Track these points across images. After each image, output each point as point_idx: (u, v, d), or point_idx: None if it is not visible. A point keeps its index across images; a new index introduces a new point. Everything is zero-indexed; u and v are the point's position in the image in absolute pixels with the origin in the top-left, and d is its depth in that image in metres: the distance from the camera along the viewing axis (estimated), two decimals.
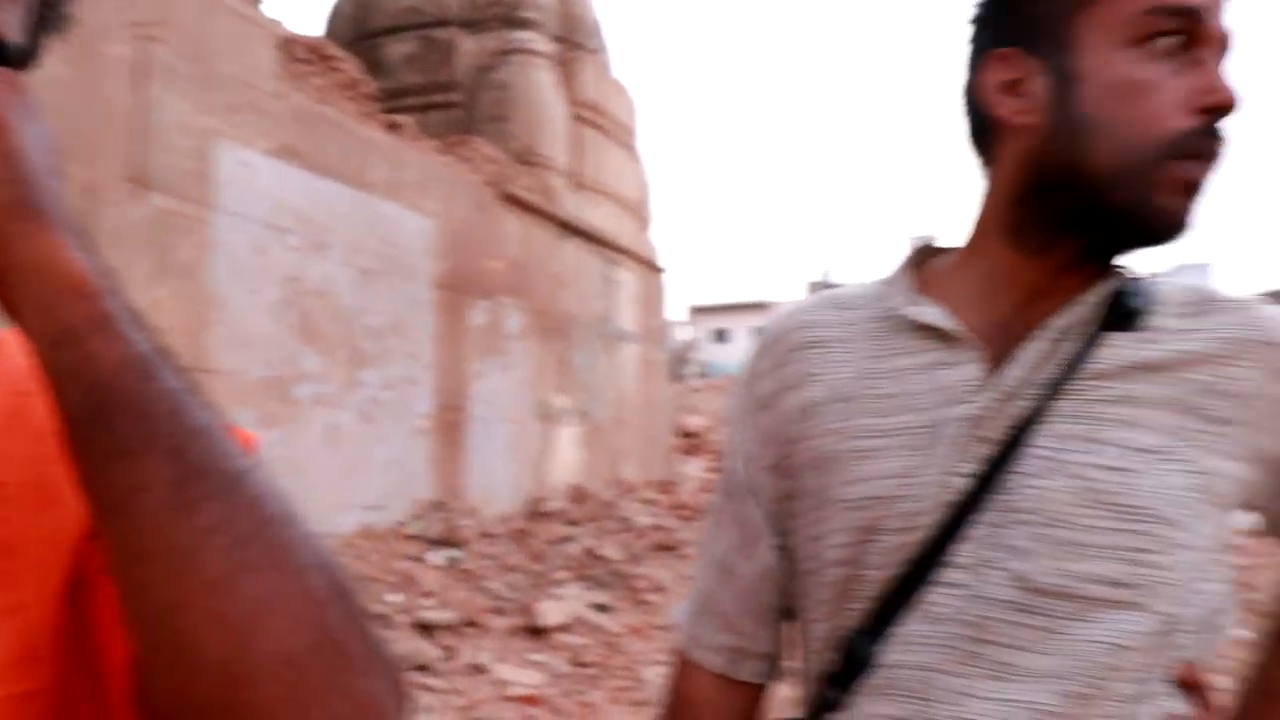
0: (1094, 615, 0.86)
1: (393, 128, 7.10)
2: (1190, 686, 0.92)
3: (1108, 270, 0.95)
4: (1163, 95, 0.86)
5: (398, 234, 6.68)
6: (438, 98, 8.86)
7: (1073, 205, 0.91)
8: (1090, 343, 0.91)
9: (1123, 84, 0.88)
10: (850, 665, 0.93)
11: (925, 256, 1.05)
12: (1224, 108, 0.86)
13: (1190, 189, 0.87)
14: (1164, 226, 0.89)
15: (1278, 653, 1.07)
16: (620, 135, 10.43)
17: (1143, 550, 0.86)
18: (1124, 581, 0.86)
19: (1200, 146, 0.86)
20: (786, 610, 1.06)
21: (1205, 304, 0.95)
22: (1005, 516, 0.88)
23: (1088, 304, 0.93)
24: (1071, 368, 0.90)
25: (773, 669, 1.08)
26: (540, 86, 9.01)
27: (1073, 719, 0.86)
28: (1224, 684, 1.12)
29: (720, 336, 52.98)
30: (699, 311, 55.88)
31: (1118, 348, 0.91)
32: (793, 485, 1.01)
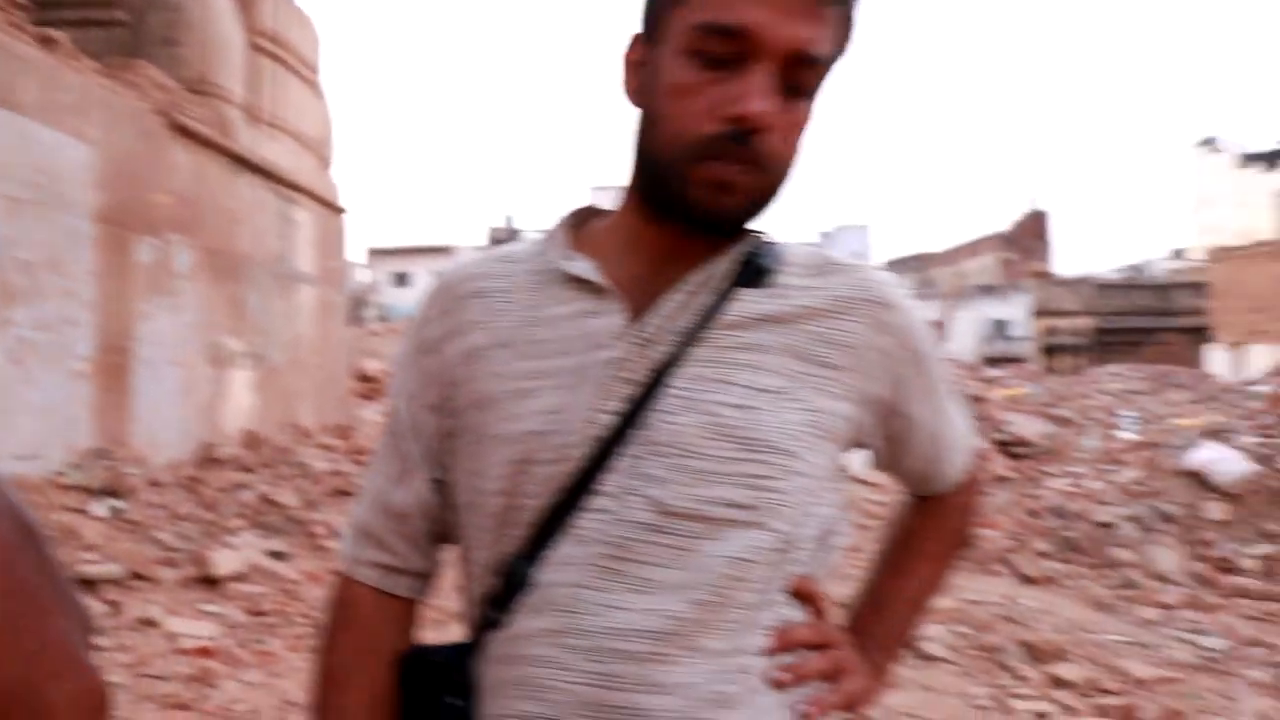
0: (720, 534, 0.99)
1: (46, 43, 6.50)
2: (805, 596, 1.08)
3: (738, 234, 1.07)
4: (698, 101, 0.96)
5: (52, 161, 6.15)
6: (99, 14, 8.14)
7: (654, 185, 1.04)
8: (723, 297, 1.04)
9: (674, 86, 0.98)
10: (509, 587, 1.03)
11: (585, 217, 1.16)
12: (744, 119, 0.95)
13: (722, 187, 0.97)
14: (702, 217, 1.00)
15: (885, 569, 1.29)
16: (302, 69, 10.02)
17: (763, 477, 0.99)
18: (746, 504, 0.99)
19: (726, 150, 0.96)
20: (442, 536, 1.16)
21: (825, 266, 1.09)
22: (645, 449, 0.99)
23: (723, 263, 1.05)
24: (706, 318, 1.02)
25: (425, 586, 1.18)
26: (215, 11, 8.50)
27: (702, 624, 0.98)
28: (840, 595, 1.33)
29: (400, 280, 52.04)
30: (379, 254, 54.54)
31: (747, 302, 1.04)
32: (454, 424, 1.10)
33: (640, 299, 1.05)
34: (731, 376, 1.01)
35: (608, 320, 1.04)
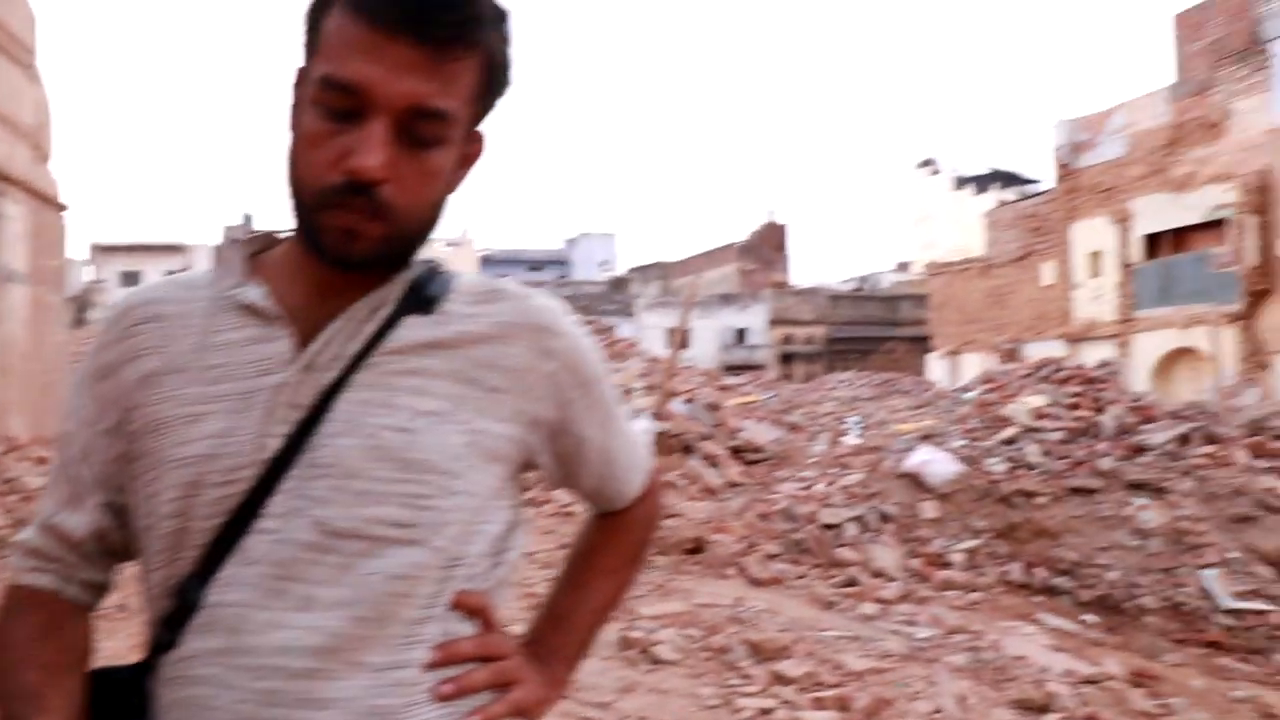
0: (381, 552, 1.03)
1: None
2: (473, 610, 1.12)
3: (406, 264, 1.11)
4: (323, 152, 1.01)
5: None
6: None
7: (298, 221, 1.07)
8: (389, 324, 1.08)
9: (305, 134, 1.03)
10: (181, 608, 1.05)
11: (265, 243, 1.17)
12: (355, 173, 0.98)
13: (348, 235, 1.01)
14: (335, 260, 1.04)
15: (565, 584, 1.34)
16: (15, 50, 9.29)
17: (423, 496, 1.04)
18: (406, 523, 1.03)
19: (346, 201, 1.00)
20: (119, 556, 1.17)
21: (492, 294, 1.15)
22: (310, 471, 1.03)
23: (391, 290, 1.09)
24: (371, 344, 1.07)
25: (98, 599, 1.18)
26: None
27: (363, 639, 1.02)
28: (518, 609, 1.36)
29: (129, 279, 48.82)
30: (106, 251, 51.10)
31: (412, 328, 1.08)
32: (130, 448, 1.11)
33: (309, 325, 1.08)
34: (394, 400, 1.05)
35: (275, 346, 1.07)
